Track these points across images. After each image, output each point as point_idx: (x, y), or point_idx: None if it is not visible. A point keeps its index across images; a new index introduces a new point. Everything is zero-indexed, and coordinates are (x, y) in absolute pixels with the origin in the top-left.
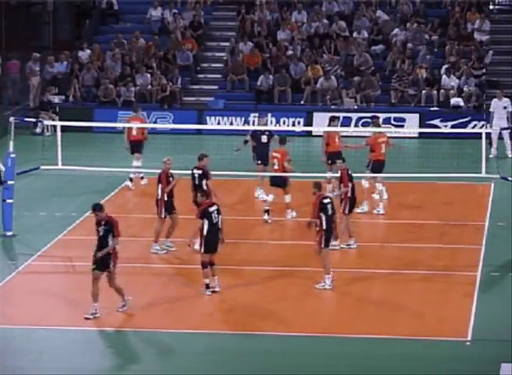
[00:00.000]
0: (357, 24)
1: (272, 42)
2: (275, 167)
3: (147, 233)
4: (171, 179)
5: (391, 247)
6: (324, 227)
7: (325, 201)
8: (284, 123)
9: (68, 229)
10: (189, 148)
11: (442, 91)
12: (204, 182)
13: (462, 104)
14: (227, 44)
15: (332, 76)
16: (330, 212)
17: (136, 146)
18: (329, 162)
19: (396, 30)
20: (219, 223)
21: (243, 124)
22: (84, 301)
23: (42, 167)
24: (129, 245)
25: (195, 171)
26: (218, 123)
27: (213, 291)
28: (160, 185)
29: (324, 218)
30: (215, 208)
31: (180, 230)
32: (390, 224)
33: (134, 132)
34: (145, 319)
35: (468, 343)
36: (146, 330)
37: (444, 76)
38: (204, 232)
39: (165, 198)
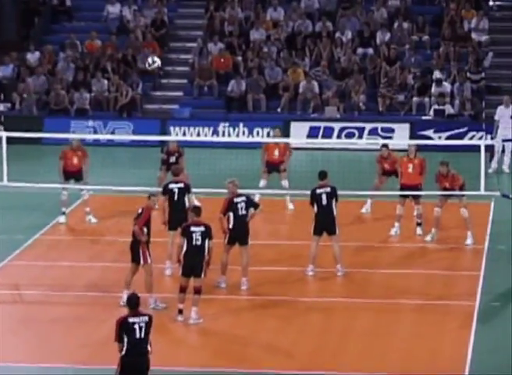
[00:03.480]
0: (341, 24)
1: (244, 43)
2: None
3: (107, 256)
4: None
5: (379, 273)
6: (314, 214)
7: (318, 191)
8: (258, 133)
9: (14, 253)
10: (151, 162)
11: (433, 98)
12: (186, 197)
13: (452, 111)
14: (194, 44)
15: (314, 82)
16: (324, 202)
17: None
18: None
19: (381, 30)
20: (204, 246)
21: (212, 135)
22: (32, 333)
23: None
24: (86, 270)
25: (173, 185)
26: (184, 134)
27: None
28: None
29: (315, 207)
30: (199, 229)
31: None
32: (378, 248)
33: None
34: (105, 355)
35: None
36: (104, 367)
37: (435, 82)
38: (182, 252)
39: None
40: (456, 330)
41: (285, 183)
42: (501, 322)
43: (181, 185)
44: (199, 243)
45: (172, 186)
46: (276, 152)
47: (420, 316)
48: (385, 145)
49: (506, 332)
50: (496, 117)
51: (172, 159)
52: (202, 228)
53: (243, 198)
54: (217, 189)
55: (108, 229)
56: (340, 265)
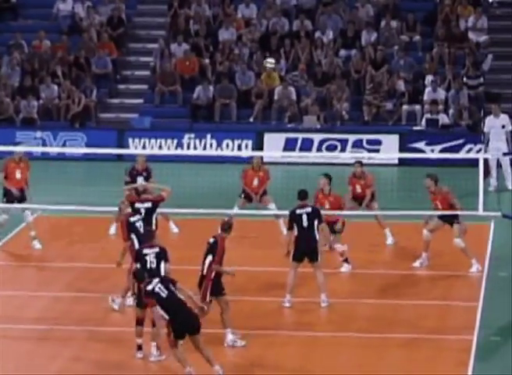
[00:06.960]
0: (321, 22)
1: (212, 44)
2: None
3: (56, 285)
4: None
5: (364, 303)
6: (294, 237)
7: (298, 211)
8: (228, 146)
9: None
10: (107, 178)
11: (426, 106)
12: (154, 217)
13: (447, 121)
14: (155, 45)
15: (291, 88)
16: (305, 224)
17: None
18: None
19: (367, 30)
20: (160, 270)
21: (176, 148)
22: None
23: None
24: (32, 300)
25: (139, 205)
26: (144, 147)
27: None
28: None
29: (295, 230)
30: (153, 251)
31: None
32: (363, 275)
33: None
34: None
35: None
36: None
37: (429, 88)
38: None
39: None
40: (451, 368)
41: (272, 206)
42: (502, 359)
43: (148, 205)
44: (154, 266)
45: (138, 206)
46: (255, 182)
47: (411, 352)
48: (359, 162)
49: (507, 370)
50: (486, 129)
51: (140, 180)
52: (155, 249)
53: (139, 217)
54: (180, 209)
55: (58, 254)
56: (325, 294)
